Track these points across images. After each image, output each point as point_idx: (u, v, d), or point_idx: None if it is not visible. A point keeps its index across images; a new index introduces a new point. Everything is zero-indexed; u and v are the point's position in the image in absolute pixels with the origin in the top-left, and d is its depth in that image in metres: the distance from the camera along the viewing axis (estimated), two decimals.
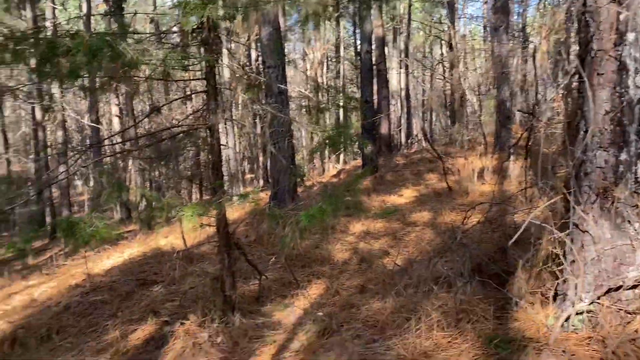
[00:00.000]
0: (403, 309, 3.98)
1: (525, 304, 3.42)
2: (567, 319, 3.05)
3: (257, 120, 14.20)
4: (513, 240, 3.26)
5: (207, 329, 4.29)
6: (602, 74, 2.79)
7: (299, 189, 9.17)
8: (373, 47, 13.32)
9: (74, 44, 2.69)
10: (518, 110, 9.61)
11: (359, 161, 15.03)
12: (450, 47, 14.20)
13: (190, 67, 5.11)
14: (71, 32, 3.95)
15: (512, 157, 7.75)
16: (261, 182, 17.70)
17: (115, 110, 12.56)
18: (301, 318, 4.44)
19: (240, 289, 5.14)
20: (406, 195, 8.95)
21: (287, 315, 4.57)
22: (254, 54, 16.47)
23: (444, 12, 20.49)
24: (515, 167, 7.79)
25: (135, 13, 12.46)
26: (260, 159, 17.32)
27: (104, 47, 2.69)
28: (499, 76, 9.46)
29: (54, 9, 13.78)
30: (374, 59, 13.14)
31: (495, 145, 9.83)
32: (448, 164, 9.49)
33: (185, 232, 6.15)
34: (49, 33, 5.66)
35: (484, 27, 20.27)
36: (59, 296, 6.13)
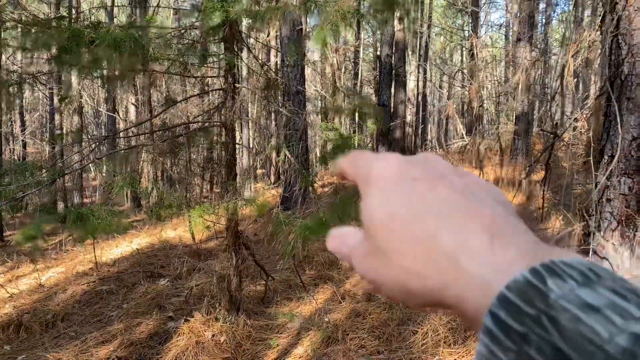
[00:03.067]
0: (410, 322, 3.93)
1: None
2: None
3: (273, 118, 14.21)
4: None
5: (211, 328, 4.26)
6: (632, 98, 2.71)
7: (310, 190, 9.15)
8: (393, 50, 13.23)
9: (99, 36, 2.65)
10: (541, 130, 9.49)
11: None
12: (472, 55, 14.06)
13: (209, 64, 5.09)
14: (94, 22, 3.94)
15: (528, 172, 7.64)
16: (272, 178, 17.69)
17: (132, 99, 12.61)
18: (306, 323, 4.40)
19: (246, 289, 5.12)
20: None
21: (292, 319, 4.54)
22: (272, 52, 16.46)
23: (466, 18, 20.33)
24: (530, 182, 7.68)
25: (158, 6, 12.47)
26: (273, 155, 17.31)
27: (128, 40, 2.65)
28: (520, 87, 9.35)
29: None
30: (393, 62, 13.06)
31: (511, 156, 9.72)
32: None
33: (193, 230, 6.14)
34: (66, 21, 5.66)
35: (505, 36, 20.08)
36: (66, 283, 6.16)
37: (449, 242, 0.27)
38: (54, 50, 3.69)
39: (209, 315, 4.39)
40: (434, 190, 0.30)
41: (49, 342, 4.63)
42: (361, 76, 21.33)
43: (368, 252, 0.32)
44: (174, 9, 14.25)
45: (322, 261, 6.11)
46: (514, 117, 9.82)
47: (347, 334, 4.00)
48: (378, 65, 15.06)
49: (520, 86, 9.68)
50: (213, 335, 4.20)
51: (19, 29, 4.15)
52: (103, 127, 18.13)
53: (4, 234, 11.61)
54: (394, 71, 13.34)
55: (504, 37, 21.54)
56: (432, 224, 0.28)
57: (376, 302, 4.64)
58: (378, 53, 16.42)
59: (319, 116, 13.31)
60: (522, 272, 0.24)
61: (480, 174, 9.13)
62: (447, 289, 0.27)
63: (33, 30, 3.68)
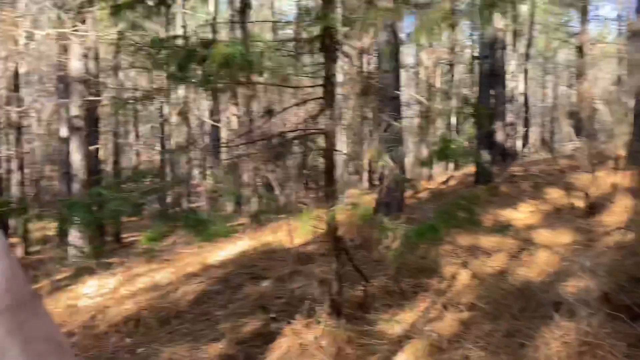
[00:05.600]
0: (518, 334, 3.75)
1: None
2: None
3: (367, 124, 14.26)
4: None
5: (312, 331, 4.35)
6: None
7: (407, 196, 9.06)
8: (492, 49, 12.74)
9: (211, 53, 2.86)
10: None
11: (471, 168, 14.47)
12: (580, 52, 13.14)
13: (308, 73, 5.22)
14: (204, 40, 4.22)
15: None
16: (366, 184, 17.73)
17: (234, 110, 13.28)
18: (407, 331, 4.35)
19: (345, 294, 5.16)
20: (522, 210, 8.44)
21: (392, 327, 4.51)
22: (365, 58, 16.51)
23: (572, 13, 19.05)
24: None
25: (259, 21, 13.02)
26: (366, 161, 17.34)
27: (237, 56, 2.83)
28: (636, 85, 8.58)
29: (184, 14, 14.91)
30: (492, 62, 12.56)
31: (629, 160, 8.92)
32: (572, 178, 8.80)
33: (295, 233, 6.32)
34: (180, 41, 6.09)
35: (619, 31, 18.54)
36: (177, 282, 6.58)
37: None
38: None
39: (310, 318, 4.48)
40: None
41: (164, 337, 4.98)
42: (458, 79, 20.75)
43: None
44: (272, 22, 14.84)
45: (420, 268, 6.01)
46: (634, 117, 9.01)
47: (450, 344, 3.90)
48: (476, 66, 14.58)
49: (633, 84, 8.88)
50: (315, 338, 4.27)
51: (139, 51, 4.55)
52: (207, 136, 19.20)
53: (120, 236, 12.71)
54: (493, 72, 12.83)
55: (616, 31, 19.91)
56: None
57: (480, 312, 4.48)
58: (476, 54, 15.88)
59: (415, 120, 13.13)
60: None
61: (591, 178, 8.50)
62: None
63: (153, 51, 4.02)
